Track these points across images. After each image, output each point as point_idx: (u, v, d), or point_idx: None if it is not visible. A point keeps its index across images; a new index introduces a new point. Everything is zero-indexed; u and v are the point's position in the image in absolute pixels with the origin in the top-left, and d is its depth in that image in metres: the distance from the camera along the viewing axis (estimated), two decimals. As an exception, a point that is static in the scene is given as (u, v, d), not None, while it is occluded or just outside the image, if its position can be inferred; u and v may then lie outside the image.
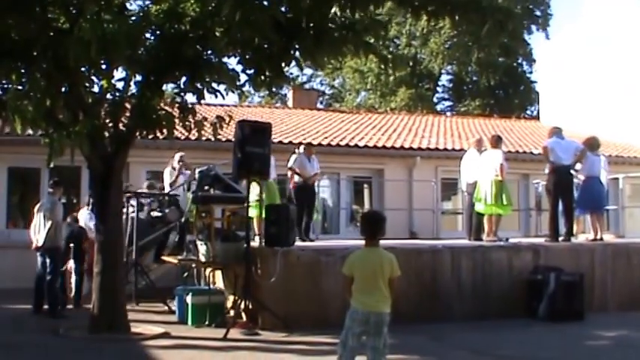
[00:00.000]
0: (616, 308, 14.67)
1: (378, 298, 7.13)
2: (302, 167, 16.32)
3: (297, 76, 52.37)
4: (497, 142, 15.89)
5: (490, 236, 15.59)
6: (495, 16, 11.01)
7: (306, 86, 51.44)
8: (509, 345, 11.22)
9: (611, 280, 14.96)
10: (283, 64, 11.56)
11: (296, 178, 16.49)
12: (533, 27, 49.01)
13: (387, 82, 47.72)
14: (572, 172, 15.79)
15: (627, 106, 29.07)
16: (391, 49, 47.04)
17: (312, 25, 10.94)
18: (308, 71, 52.66)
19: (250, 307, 12.14)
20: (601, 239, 16.15)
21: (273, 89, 27.49)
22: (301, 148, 16.99)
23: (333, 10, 10.86)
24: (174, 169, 17.23)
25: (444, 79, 52.56)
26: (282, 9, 10.84)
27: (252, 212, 14.39)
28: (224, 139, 16.77)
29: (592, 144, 16.43)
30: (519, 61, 49.79)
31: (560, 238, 15.47)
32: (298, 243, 14.11)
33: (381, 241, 7.41)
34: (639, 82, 28.90)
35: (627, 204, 24.75)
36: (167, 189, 17.09)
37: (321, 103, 51.60)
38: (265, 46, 11.10)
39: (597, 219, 16.51)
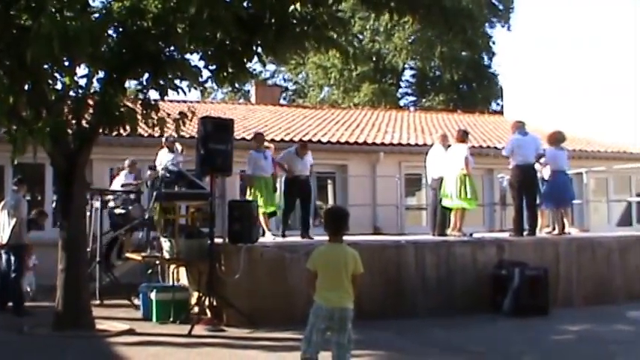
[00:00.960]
0: (581, 302, 14.77)
1: (341, 294, 7.12)
2: (290, 163, 15.95)
3: (261, 72, 52.38)
4: (462, 136, 15.97)
5: (455, 231, 15.66)
6: (458, 21, 11.09)
7: (270, 82, 51.39)
8: (474, 340, 11.23)
9: (575, 275, 15.07)
10: (245, 60, 11.55)
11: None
12: (495, 21, 49.42)
13: (350, 78, 47.81)
14: (535, 167, 15.94)
15: (589, 101, 29.34)
16: (355, 44, 47.11)
17: (273, 20, 10.95)
18: (271, 67, 52.71)
19: (215, 303, 12.15)
20: (568, 233, 16.31)
21: (236, 85, 27.38)
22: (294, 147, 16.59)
23: (294, 6, 10.87)
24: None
25: (408, 75, 52.77)
26: (245, 5, 10.84)
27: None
28: (187, 136, 16.77)
29: (557, 138, 16.57)
30: (482, 55, 50.03)
31: (525, 233, 15.59)
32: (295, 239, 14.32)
33: (345, 237, 7.41)
34: (599, 77, 29.17)
35: (591, 198, 25.01)
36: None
37: (285, 99, 51.61)
38: (227, 42, 11.09)
39: (564, 213, 16.67)
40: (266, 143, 16.51)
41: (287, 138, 21.30)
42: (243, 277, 11.96)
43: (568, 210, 17.20)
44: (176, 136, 14.65)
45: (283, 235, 15.51)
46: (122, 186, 16.77)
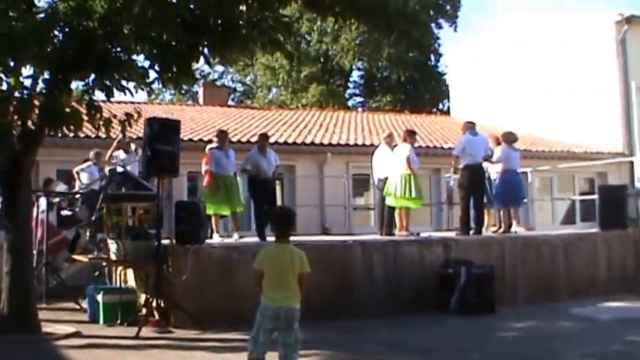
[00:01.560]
0: (526, 300, 14.91)
1: (288, 294, 7.17)
2: (255, 165, 15.74)
3: (209, 73, 52.26)
4: (407, 135, 16.10)
5: (402, 231, 15.77)
6: (401, 25, 11.17)
7: (218, 83, 51.32)
8: (422, 339, 11.30)
9: (521, 272, 15.21)
10: (191, 61, 11.53)
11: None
12: (442, 21, 49.83)
13: (298, 79, 47.91)
14: (484, 167, 16.13)
15: (533, 101, 29.72)
16: (303, 45, 47.21)
17: (219, 22, 10.95)
18: (220, 68, 52.62)
19: (162, 305, 12.08)
20: (514, 232, 16.52)
21: (184, 86, 27.27)
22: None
23: (240, 8, 10.89)
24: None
25: (355, 75, 53.00)
26: (191, 6, 10.82)
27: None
28: (135, 137, 16.70)
29: (509, 138, 16.82)
30: (429, 55, 50.40)
31: (471, 232, 15.76)
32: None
33: (293, 238, 7.45)
34: (542, 77, 29.56)
35: (536, 197, 25.37)
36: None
37: (233, 100, 51.55)
38: (173, 43, 11.06)
39: (515, 212, 16.88)
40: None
41: (234, 139, 21.25)
42: (191, 278, 11.91)
43: (517, 209, 17.42)
44: (134, 137, 14.57)
45: (263, 238, 14.95)
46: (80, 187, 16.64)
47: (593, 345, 10.47)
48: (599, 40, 27.79)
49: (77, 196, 16.49)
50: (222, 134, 16.13)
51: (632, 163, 22.52)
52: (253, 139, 21.17)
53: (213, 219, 15.45)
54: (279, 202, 22.77)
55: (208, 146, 16.65)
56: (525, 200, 19.42)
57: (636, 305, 14.49)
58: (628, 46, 27.11)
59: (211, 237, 15.02)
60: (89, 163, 16.86)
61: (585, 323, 12.64)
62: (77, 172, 16.87)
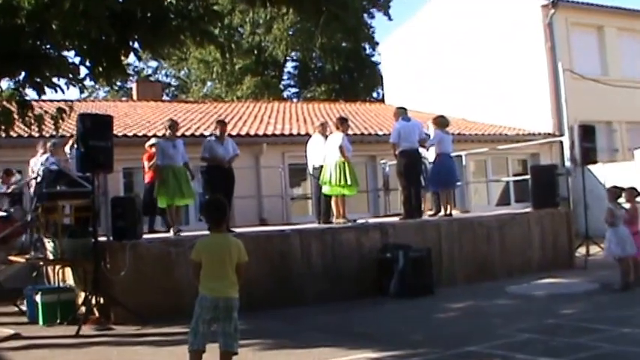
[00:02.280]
0: (464, 280, 15.18)
1: (226, 284, 7.18)
2: (212, 152, 15.25)
3: (143, 69, 51.92)
4: (339, 123, 16.16)
5: (339, 218, 15.87)
6: (330, 8, 11.21)
7: (152, 79, 51.04)
8: (362, 323, 11.41)
9: (458, 254, 15.50)
10: (121, 56, 11.46)
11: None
12: (375, 10, 50.04)
13: (232, 72, 47.75)
14: (419, 152, 16.32)
15: (465, 85, 30.09)
16: (235, 37, 47.08)
17: (148, 15, 10.90)
18: (153, 64, 52.34)
19: (102, 302, 12.04)
20: (450, 214, 16.73)
21: (117, 82, 26.94)
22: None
23: (168, 0, 10.87)
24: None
25: (290, 66, 53.03)
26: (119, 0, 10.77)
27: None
28: (68, 134, 16.56)
29: (441, 122, 17.02)
30: (363, 45, 50.60)
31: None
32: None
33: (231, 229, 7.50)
34: (473, 62, 29.92)
35: (471, 180, 25.69)
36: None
37: (167, 95, 51.30)
38: (103, 37, 10.99)
39: (448, 195, 17.10)
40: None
41: (166, 135, 21.17)
42: (130, 274, 11.90)
43: (451, 192, 17.66)
44: (56, 139, 14.38)
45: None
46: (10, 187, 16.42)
47: (529, 320, 10.69)
48: (527, 24, 28.23)
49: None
50: (172, 124, 15.46)
51: (561, 143, 22.90)
52: (188, 133, 21.15)
53: (167, 213, 15.10)
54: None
55: (149, 142, 16.51)
56: (459, 183, 19.67)
57: (569, 281, 14.80)
58: (555, 29, 27.56)
59: (168, 231, 14.82)
60: (46, 155, 16.36)
61: (521, 300, 12.90)
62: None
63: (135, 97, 34.22)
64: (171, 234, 14.31)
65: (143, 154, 17.02)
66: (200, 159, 15.42)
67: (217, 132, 15.58)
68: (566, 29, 27.77)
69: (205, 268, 7.24)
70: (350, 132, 17.03)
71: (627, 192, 13.79)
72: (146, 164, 16.64)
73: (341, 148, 15.42)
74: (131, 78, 43.71)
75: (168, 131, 15.11)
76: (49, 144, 16.25)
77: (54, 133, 13.14)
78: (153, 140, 16.25)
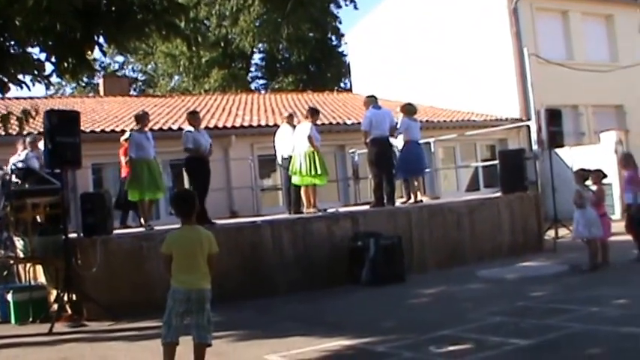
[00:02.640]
0: (435, 266, 15.25)
1: (197, 276, 7.22)
2: (197, 143, 14.77)
3: (109, 64, 51.70)
4: (310, 114, 16.21)
5: (309, 208, 15.91)
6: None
7: (120, 74, 50.85)
8: (335, 312, 11.47)
9: (429, 240, 15.56)
10: (86, 51, 11.40)
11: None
12: (342, 1, 50.08)
13: (199, 65, 47.64)
14: (390, 140, 16.38)
15: (432, 73, 30.21)
16: (202, 30, 46.94)
17: (113, 9, 10.86)
18: (120, 59, 52.15)
19: (74, 299, 12.00)
20: (420, 201, 16.82)
21: (84, 78, 26.87)
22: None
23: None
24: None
25: (257, 58, 52.96)
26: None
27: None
28: (36, 132, 16.45)
29: (408, 110, 17.11)
30: (330, 35, 50.64)
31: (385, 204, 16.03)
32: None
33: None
34: (440, 49, 30.04)
35: (440, 166, 25.83)
36: None
37: (135, 90, 51.12)
38: (68, 33, 10.93)
39: (418, 182, 17.19)
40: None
41: (137, 128, 21.11)
42: (101, 269, 11.87)
43: (420, 179, 17.75)
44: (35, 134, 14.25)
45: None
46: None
47: (500, 303, 10.79)
48: (492, 10, 28.36)
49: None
50: (143, 115, 15.24)
51: (528, 127, 23.09)
52: (156, 127, 21.07)
53: (140, 206, 14.89)
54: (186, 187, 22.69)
55: (123, 136, 16.32)
56: (428, 170, 19.77)
57: (539, 264, 14.94)
58: (520, 14, 27.70)
59: (142, 225, 14.64)
60: (26, 151, 16.08)
61: (492, 284, 13.02)
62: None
63: (102, 92, 34.11)
64: (143, 229, 14.26)
65: (119, 148, 16.85)
66: (184, 150, 14.93)
67: (193, 123, 15.16)
68: (531, 14, 27.91)
69: (176, 260, 7.26)
70: (318, 122, 17.05)
71: (594, 174, 13.93)
72: (122, 159, 16.45)
73: (310, 138, 15.45)
74: (98, 74, 43.54)
75: (140, 123, 14.96)
76: (27, 139, 16.12)
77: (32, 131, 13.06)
78: (127, 134, 16.10)
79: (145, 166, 14.42)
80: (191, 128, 14.89)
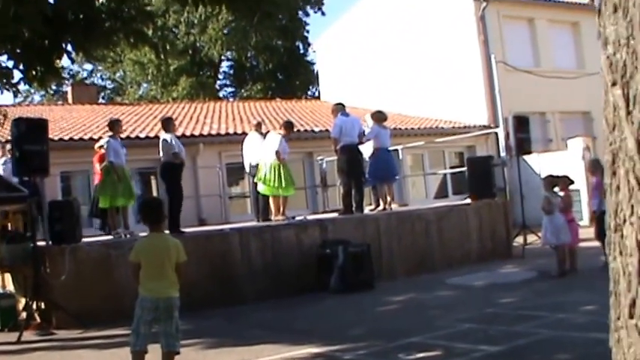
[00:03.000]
0: (404, 274, 15.26)
1: (166, 284, 7.19)
2: (179, 148, 14.75)
3: (78, 72, 51.48)
4: (285, 126, 16.31)
5: (278, 216, 15.93)
6: (262, 7, 11.24)
7: (88, 82, 50.63)
8: (303, 319, 11.48)
9: (397, 248, 15.58)
10: (55, 58, 11.37)
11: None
12: (309, 8, 50.15)
13: (167, 73, 47.53)
14: (359, 147, 16.43)
15: (400, 80, 30.33)
16: (170, 38, 46.87)
17: (81, 17, 10.83)
18: (88, 67, 51.92)
19: (43, 307, 11.94)
20: (390, 209, 16.87)
21: (52, 86, 26.71)
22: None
23: (101, 1, 10.81)
24: None
25: (225, 66, 52.91)
26: (51, 1, 10.68)
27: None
28: (3, 140, 16.36)
29: (378, 117, 17.17)
30: (297, 43, 50.74)
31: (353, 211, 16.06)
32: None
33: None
34: (408, 56, 30.17)
35: (409, 173, 25.93)
36: None
37: (103, 97, 50.93)
38: (36, 40, 10.90)
39: (388, 189, 17.23)
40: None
41: (105, 136, 21.05)
42: (70, 278, 11.81)
43: (391, 186, 17.80)
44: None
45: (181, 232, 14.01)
46: None
47: (468, 310, 10.86)
48: (460, 18, 28.52)
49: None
50: (116, 122, 15.29)
51: (496, 134, 23.27)
52: (123, 135, 20.94)
53: (109, 213, 14.81)
54: (154, 195, 22.65)
55: (98, 143, 16.21)
56: (397, 177, 19.84)
57: (508, 270, 15.05)
58: (487, 22, 27.88)
59: (110, 233, 14.56)
60: (4, 158, 16.12)
61: (460, 291, 13.09)
62: None
63: (70, 100, 33.97)
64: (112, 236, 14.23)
65: (93, 155, 16.73)
66: (172, 156, 14.65)
67: (171, 129, 15.04)
68: (498, 22, 28.12)
69: (145, 269, 7.24)
70: (282, 135, 17.04)
71: (561, 181, 14.05)
72: (97, 166, 16.35)
73: (277, 152, 15.49)
74: (66, 81, 43.37)
75: (114, 130, 14.97)
76: (7, 146, 16.03)
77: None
78: (102, 141, 16.02)
79: (121, 172, 14.39)
80: (168, 135, 14.76)
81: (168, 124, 15.17)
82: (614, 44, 1.90)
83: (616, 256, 1.97)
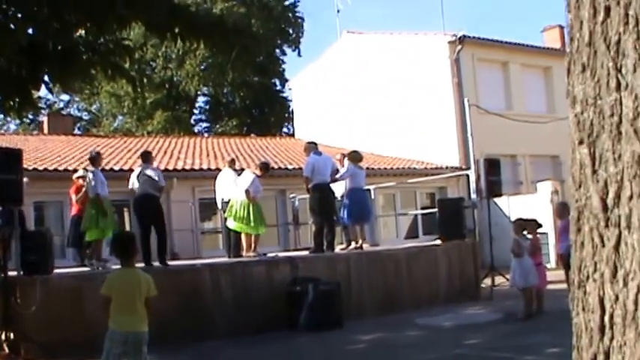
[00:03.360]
0: (373, 313, 15.28)
1: (135, 318, 7.26)
2: (161, 178, 15.14)
3: (54, 102, 51.32)
4: (260, 167, 16.40)
5: (249, 252, 15.97)
6: (241, 41, 11.35)
7: (64, 112, 50.49)
8: (272, 357, 11.52)
9: (367, 287, 15.64)
10: (32, 89, 11.39)
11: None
12: (287, 47, 50.45)
13: (143, 106, 47.49)
14: (331, 186, 16.52)
15: (374, 120, 30.55)
16: (147, 71, 46.91)
17: (59, 48, 10.89)
18: (65, 97, 51.77)
19: (12, 337, 11.89)
20: (361, 248, 16.93)
21: (29, 115, 26.56)
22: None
23: (79, 33, 10.88)
24: None
25: (201, 101, 52.97)
26: (29, 31, 10.73)
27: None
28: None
29: (354, 157, 17.25)
30: (274, 80, 50.95)
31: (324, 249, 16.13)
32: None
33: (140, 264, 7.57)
34: (383, 97, 30.41)
35: (381, 213, 26.00)
36: None
37: (79, 129, 50.78)
38: (13, 71, 10.93)
39: (360, 229, 17.31)
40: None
41: (81, 167, 21.06)
42: (41, 309, 11.78)
43: (365, 226, 17.89)
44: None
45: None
46: None
47: (436, 351, 10.95)
48: (434, 60, 28.84)
49: None
50: (98, 156, 15.38)
51: (467, 176, 23.42)
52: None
53: (94, 245, 14.83)
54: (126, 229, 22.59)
55: (76, 174, 16.24)
56: (372, 217, 19.94)
57: (476, 311, 15.16)
58: (462, 64, 28.19)
59: (98, 267, 14.43)
60: None
61: (429, 331, 13.16)
62: None
63: (46, 130, 33.90)
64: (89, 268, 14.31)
65: (70, 187, 16.73)
66: (159, 189, 15.24)
67: (151, 161, 15.47)
68: (472, 65, 28.44)
69: (115, 302, 7.29)
70: (264, 175, 17.12)
71: (530, 224, 14.21)
72: (74, 197, 16.39)
73: (247, 192, 15.58)
74: (42, 111, 43.23)
75: (96, 163, 15.08)
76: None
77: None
78: (81, 172, 16.01)
79: (107, 205, 14.59)
80: (152, 170, 15.03)
81: (148, 157, 15.69)
82: (581, 103, 1.99)
83: (579, 312, 2.03)
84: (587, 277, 1.99)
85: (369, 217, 18.13)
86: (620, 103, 1.87)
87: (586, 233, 1.99)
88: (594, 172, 1.94)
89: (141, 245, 13.16)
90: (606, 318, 1.94)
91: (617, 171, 1.88)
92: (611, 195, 1.90)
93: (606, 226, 1.93)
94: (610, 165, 1.90)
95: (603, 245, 1.94)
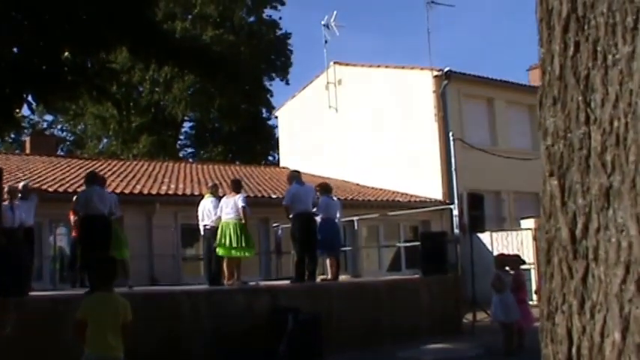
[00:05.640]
0: (354, 344, 15.17)
1: (111, 344, 7.15)
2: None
3: (38, 122, 51.25)
4: (233, 186, 16.34)
5: (230, 280, 15.88)
6: (226, 69, 11.35)
7: (48, 133, 50.39)
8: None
9: (347, 318, 15.53)
10: (14, 109, 11.34)
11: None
12: (275, 75, 50.62)
13: (129, 129, 47.43)
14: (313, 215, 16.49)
15: (359, 152, 30.59)
16: (134, 95, 46.93)
17: (44, 68, 10.86)
18: (49, 117, 51.72)
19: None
20: (336, 279, 16.86)
21: (11, 134, 26.44)
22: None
23: (65, 55, 10.85)
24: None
25: (187, 126, 53.00)
26: (15, 50, 10.70)
27: None
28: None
29: (325, 188, 17.26)
30: (260, 108, 51.04)
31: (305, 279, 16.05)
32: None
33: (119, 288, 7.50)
34: (368, 129, 30.48)
35: (363, 245, 25.98)
36: None
37: (63, 150, 50.66)
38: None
39: (331, 260, 17.24)
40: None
41: (61, 189, 20.98)
42: (14, 332, 11.64)
43: (339, 256, 17.84)
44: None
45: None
46: None
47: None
48: (420, 94, 28.95)
49: None
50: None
51: (451, 210, 23.46)
52: (80, 189, 20.89)
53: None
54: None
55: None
56: (349, 248, 19.89)
57: (456, 346, 15.09)
58: (447, 99, 28.32)
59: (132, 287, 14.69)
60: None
61: (408, 365, 13.09)
62: None
63: (28, 150, 33.81)
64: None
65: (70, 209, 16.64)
66: (114, 214, 15.32)
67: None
68: (458, 99, 28.59)
69: (92, 326, 7.20)
70: (243, 193, 17.11)
71: (512, 260, 14.21)
72: (72, 218, 16.41)
73: (244, 208, 15.53)
74: (25, 131, 43.15)
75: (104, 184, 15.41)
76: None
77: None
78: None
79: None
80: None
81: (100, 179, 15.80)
82: (552, 136, 1.97)
83: (547, 343, 2.02)
84: (556, 309, 1.97)
85: (339, 248, 18.02)
86: (589, 137, 1.87)
87: (555, 265, 1.97)
88: (564, 203, 1.93)
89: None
90: (574, 350, 1.92)
91: (586, 203, 1.87)
92: (579, 227, 1.89)
93: (574, 257, 1.91)
94: (579, 197, 1.89)
95: (572, 277, 1.93)
